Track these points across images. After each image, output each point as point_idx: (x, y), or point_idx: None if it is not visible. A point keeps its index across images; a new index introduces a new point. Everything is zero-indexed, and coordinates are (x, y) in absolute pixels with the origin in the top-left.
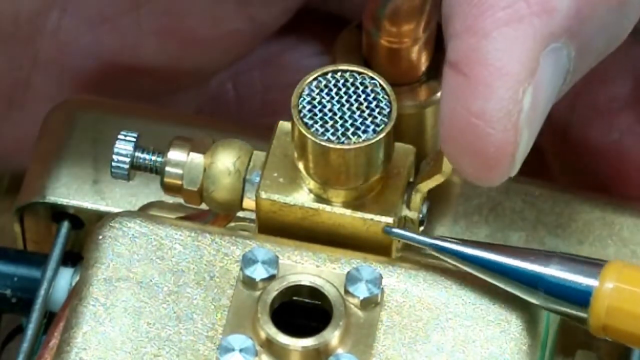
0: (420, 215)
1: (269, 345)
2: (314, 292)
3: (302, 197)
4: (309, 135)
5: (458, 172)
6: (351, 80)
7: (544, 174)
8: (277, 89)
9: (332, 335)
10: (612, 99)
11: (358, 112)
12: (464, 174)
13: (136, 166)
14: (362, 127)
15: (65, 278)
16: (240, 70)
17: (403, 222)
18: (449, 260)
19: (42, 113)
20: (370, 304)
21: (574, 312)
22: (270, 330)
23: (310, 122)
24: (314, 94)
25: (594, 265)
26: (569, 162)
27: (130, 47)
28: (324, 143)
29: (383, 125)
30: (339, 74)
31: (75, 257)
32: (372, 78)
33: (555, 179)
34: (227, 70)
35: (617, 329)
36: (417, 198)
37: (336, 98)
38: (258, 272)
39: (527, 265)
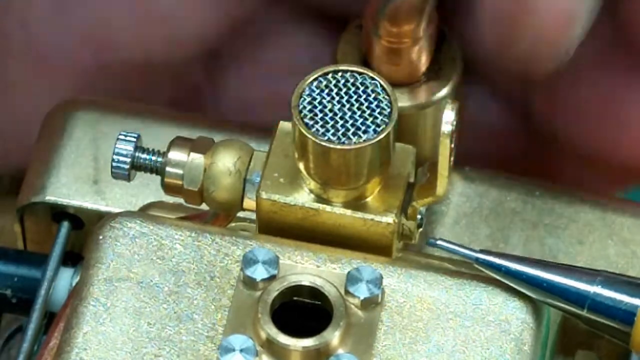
0: (419, 217)
1: (270, 345)
2: (315, 292)
3: (303, 197)
4: (309, 136)
5: (510, 60)
6: (352, 80)
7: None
8: (254, 85)
9: (333, 336)
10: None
11: (358, 113)
12: (515, 57)
13: (136, 166)
14: (363, 128)
15: (66, 278)
16: (216, 65)
17: (401, 230)
18: (494, 275)
19: (23, 106)
20: (371, 304)
21: (616, 329)
22: (270, 330)
23: (311, 122)
24: (314, 94)
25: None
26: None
27: (101, 38)
28: (324, 143)
29: (383, 126)
30: (340, 74)
31: (75, 257)
32: (373, 78)
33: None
34: (202, 65)
35: None
36: (413, 211)
37: (337, 98)
38: (258, 272)
39: (573, 283)
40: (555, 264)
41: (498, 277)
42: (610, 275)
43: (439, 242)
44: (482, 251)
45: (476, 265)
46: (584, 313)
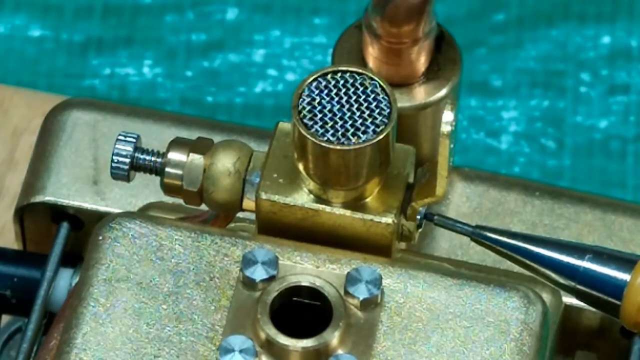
0: (419, 217)
1: (269, 345)
2: (314, 292)
3: (302, 197)
4: (309, 136)
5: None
6: (351, 81)
7: None
8: None
9: (332, 336)
10: None
11: (358, 113)
12: None
13: (136, 167)
14: (362, 128)
15: (65, 279)
16: None
17: (401, 231)
18: (488, 248)
19: None
20: (370, 304)
21: (606, 303)
22: (270, 331)
23: (310, 122)
24: (314, 95)
25: (628, 261)
26: None
27: None
28: (324, 144)
29: (383, 126)
30: (339, 74)
31: (75, 257)
32: (372, 79)
33: None
34: None
35: None
36: (413, 212)
37: (336, 99)
38: (258, 273)
39: (563, 257)
40: (548, 239)
41: (493, 251)
42: (601, 249)
43: (436, 217)
44: (477, 226)
45: (473, 240)
46: (575, 285)
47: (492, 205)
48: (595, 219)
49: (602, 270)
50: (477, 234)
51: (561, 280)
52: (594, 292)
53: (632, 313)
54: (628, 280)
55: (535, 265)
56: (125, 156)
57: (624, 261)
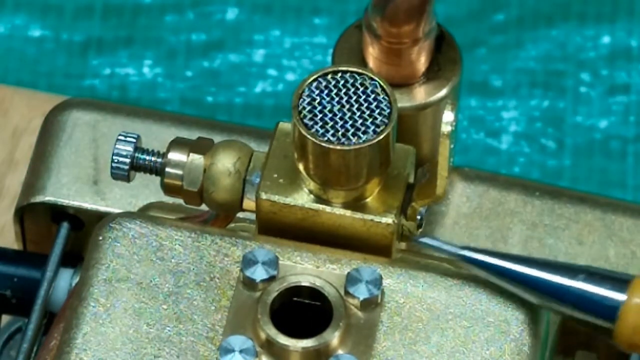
0: (419, 217)
1: (269, 346)
2: (314, 293)
3: (302, 197)
4: (309, 136)
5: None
6: (351, 81)
7: None
8: None
9: (332, 336)
10: None
11: (358, 113)
12: None
13: (136, 167)
14: (362, 128)
15: (65, 279)
16: None
17: (401, 231)
18: (476, 271)
19: None
20: (370, 304)
21: (602, 325)
22: (270, 331)
23: (311, 123)
24: (314, 95)
25: (622, 281)
26: None
27: None
28: (324, 144)
29: (383, 126)
30: (339, 74)
31: (75, 257)
32: (372, 79)
33: None
34: None
35: None
36: (413, 212)
37: (336, 99)
38: (258, 273)
39: (556, 278)
40: (539, 260)
41: (482, 274)
42: (594, 270)
43: (421, 239)
44: (465, 248)
45: (460, 262)
46: (567, 309)
47: (492, 205)
48: (595, 219)
49: (595, 290)
50: (466, 257)
51: (553, 302)
52: (588, 313)
53: (628, 334)
54: (622, 300)
55: (527, 288)
56: (126, 156)
57: (617, 281)
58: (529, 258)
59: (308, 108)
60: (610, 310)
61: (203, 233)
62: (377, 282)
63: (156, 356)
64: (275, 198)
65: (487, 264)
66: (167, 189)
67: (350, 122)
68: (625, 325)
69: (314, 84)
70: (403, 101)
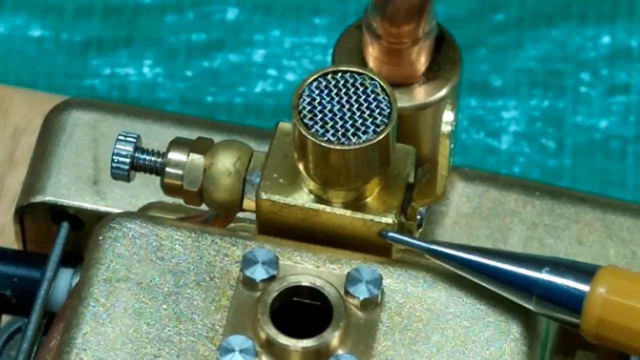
0: (419, 217)
1: (269, 346)
2: (314, 292)
3: (302, 197)
4: (309, 136)
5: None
6: (351, 81)
7: None
8: None
9: (332, 336)
10: None
11: (358, 113)
12: None
13: (136, 167)
14: (362, 128)
15: (65, 279)
16: None
17: (401, 229)
18: (445, 265)
19: None
20: (371, 304)
21: (567, 317)
22: (270, 331)
23: (311, 122)
24: (314, 95)
25: (587, 272)
26: None
27: None
28: (324, 144)
29: (383, 126)
30: (339, 74)
31: (75, 257)
32: (372, 79)
33: None
34: None
35: (610, 339)
36: (413, 211)
37: (336, 99)
38: (258, 273)
39: (521, 270)
40: (507, 252)
41: (450, 267)
42: (559, 262)
43: (389, 234)
44: (432, 242)
45: (428, 256)
46: (533, 301)
47: (492, 205)
48: (595, 219)
49: (561, 281)
50: (432, 251)
51: (520, 294)
52: (553, 305)
53: (592, 325)
54: (587, 291)
55: (494, 280)
56: (126, 156)
57: (582, 272)
58: (496, 251)
59: (308, 108)
60: (575, 302)
61: (203, 233)
62: (377, 282)
63: (156, 356)
64: (275, 198)
65: (453, 257)
66: (167, 189)
67: (350, 122)
68: (590, 316)
69: (314, 83)
70: (403, 101)
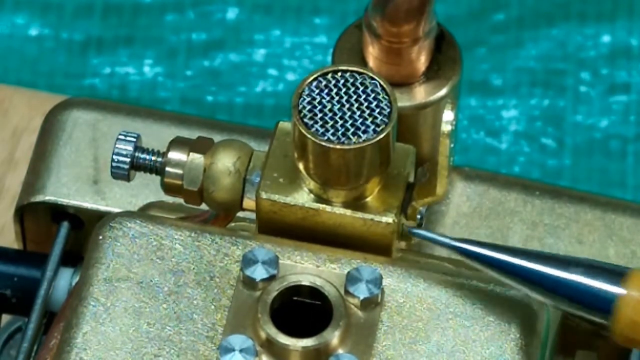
0: (419, 217)
1: (269, 345)
2: (314, 292)
3: (303, 197)
4: (309, 136)
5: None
6: (351, 80)
7: None
8: None
9: (332, 336)
10: None
11: (358, 113)
12: None
13: (136, 166)
14: (363, 128)
15: (65, 278)
16: None
17: (401, 230)
18: (471, 263)
19: None
20: (371, 304)
21: (594, 319)
22: (270, 330)
23: (311, 122)
24: (314, 94)
25: (617, 273)
26: None
27: None
28: (324, 143)
29: (383, 126)
30: (339, 74)
31: (75, 257)
32: (372, 78)
33: None
34: None
35: None
36: (413, 211)
37: (336, 98)
38: (258, 272)
39: (550, 270)
40: (535, 252)
41: (477, 266)
42: (590, 263)
43: (416, 230)
44: (460, 239)
45: (455, 254)
46: (563, 303)
47: (492, 204)
48: (595, 219)
49: (591, 283)
50: (460, 249)
51: (547, 294)
52: (582, 307)
53: (624, 328)
54: (618, 293)
55: (522, 280)
56: (126, 155)
57: (613, 274)
58: (525, 250)
59: (308, 107)
60: (605, 304)
61: (203, 232)
62: (377, 281)
63: (156, 355)
64: (276, 197)
65: (482, 256)
66: (167, 189)
67: (351, 122)
68: (621, 319)
69: (314, 83)
70: (403, 100)
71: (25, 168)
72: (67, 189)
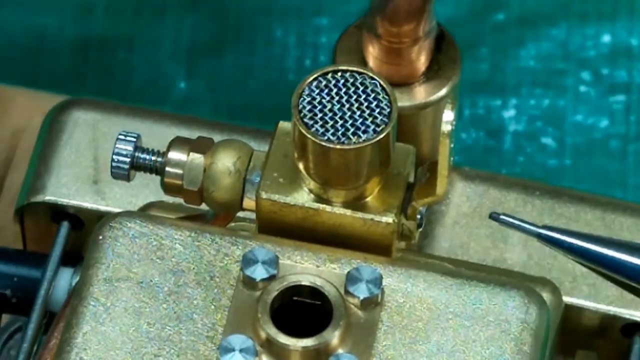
0: (419, 217)
1: (269, 345)
2: (314, 292)
3: (303, 197)
4: (309, 136)
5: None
6: (351, 80)
7: None
8: None
9: (332, 336)
10: None
11: (358, 112)
12: None
13: (136, 166)
14: (363, 127)
15: (65, 278)
16: None
17: (401, 230)
18: (555, 250)
19: None
20: (371, 304)
21: None
22: (270, 330)
23: (311, 122)
24: (314, 94)
25: None
26: None
27: None
28: (324, 143)
29: (383, 126)
30: (339, 74)
31: (75, 257)
32: (373, 78)
33: None
34: None
35: None
36: (413, 211)
37: (336, 98)
38: (258, 272)
39: (636, 260)
40: (619, 241)
41: (561, 253)
42: None
43: (502, 217)
44: (545, 227)
45: (539, 241)
46: None
47: (493, 204)
48: (596, 219)
49: None
50: (545, 236)
51: (635, 285)
52: None
53: None
54: None
55: (606, 268)
56: (126, 155)
57: None
58: (608, 239)
59: (308, 107)
60: None
61: (203, 232)
62: (377, 281)
63: (156, 355)
64: (276, 197)
65: (566, 243)
66: (167, 189)
67: (351, 122)
68: None
69: (314, 83)
70: (403, 100)
71: (25, 168)
72: (67, 189)
